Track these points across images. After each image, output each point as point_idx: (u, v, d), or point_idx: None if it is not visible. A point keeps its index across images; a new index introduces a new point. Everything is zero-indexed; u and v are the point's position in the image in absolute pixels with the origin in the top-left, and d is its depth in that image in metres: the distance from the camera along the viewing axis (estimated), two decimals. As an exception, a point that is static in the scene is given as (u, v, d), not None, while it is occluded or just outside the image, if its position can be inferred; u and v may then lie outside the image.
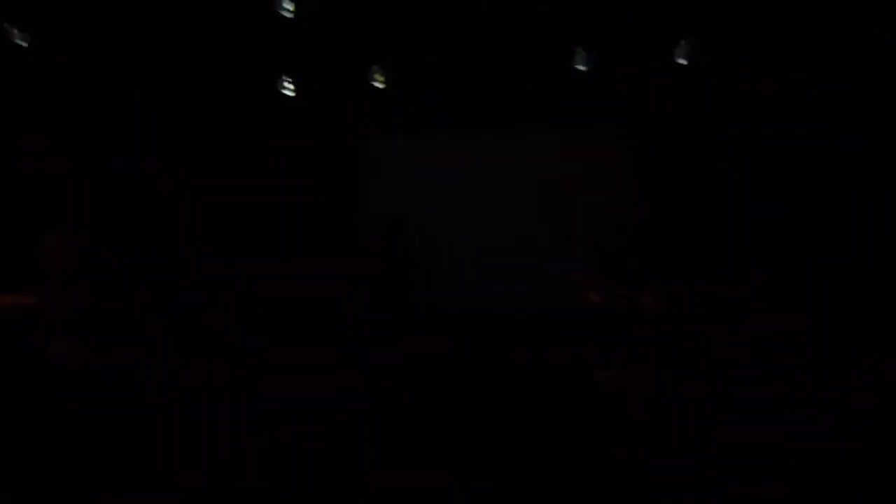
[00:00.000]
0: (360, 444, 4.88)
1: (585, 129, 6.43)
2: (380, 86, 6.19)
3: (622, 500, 4.13)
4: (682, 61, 5.80)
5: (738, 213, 5.80)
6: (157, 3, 5.45)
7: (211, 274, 5.04)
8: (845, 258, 5.33)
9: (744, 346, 4.88)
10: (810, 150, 5.67)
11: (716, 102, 5.97)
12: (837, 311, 4.91)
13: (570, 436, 4.91)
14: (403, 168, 6.74)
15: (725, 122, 5.94)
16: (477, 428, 5.40)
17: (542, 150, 6.50)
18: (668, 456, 4.38)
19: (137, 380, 4.18)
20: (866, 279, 5.17)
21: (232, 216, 6.26)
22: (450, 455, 4.98)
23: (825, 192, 5.60)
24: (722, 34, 5.71)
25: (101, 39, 5.64)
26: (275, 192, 6.49)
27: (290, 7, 5.61)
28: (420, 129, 6.63)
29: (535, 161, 6.51)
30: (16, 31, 5.46)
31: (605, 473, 4.40)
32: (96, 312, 4.33)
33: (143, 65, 5.92)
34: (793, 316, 4.93)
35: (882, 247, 5.32)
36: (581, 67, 5.93)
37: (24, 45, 5.44)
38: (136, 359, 4.29)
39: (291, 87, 6.18)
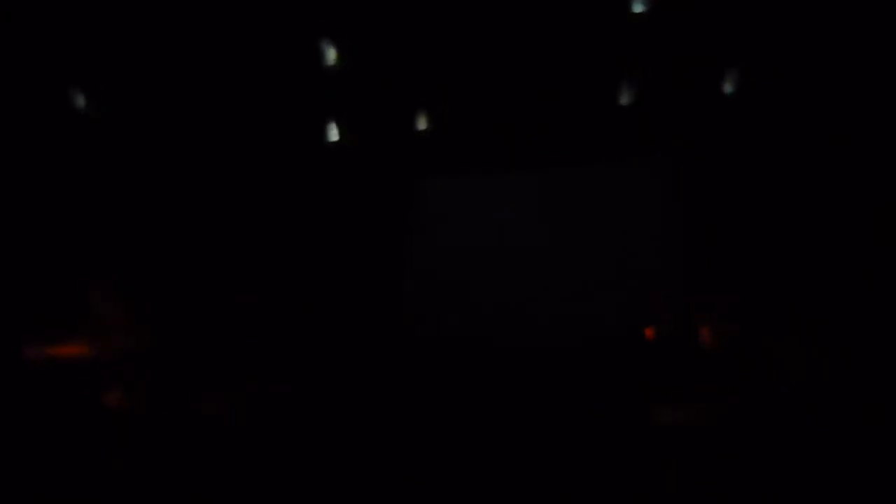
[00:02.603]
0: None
1: (635, 163, 6.32)
2: (422, 125, 6.24)
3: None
4: (731, 90, 5.70)
5: (795, 244, 5.59)
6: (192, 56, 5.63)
7: (258, 318, 5.09)
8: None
9: (806, 378, 4.67)
10: (873, 179, 5.46)
11: (769, 132, 5.82)
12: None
13: (635, 473, 4.76)
14: (453, 209, 6.73)
15: (780, 151, 5.78)
16: (535, 467, 5.28)
17: (591, 185, 6.41)
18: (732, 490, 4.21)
19: (184, 425, 4.22)
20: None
21: (278, 259, 6.33)
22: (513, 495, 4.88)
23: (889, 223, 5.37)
24: (773, 62, 5.60)
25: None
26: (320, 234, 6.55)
27: (333, 56, 5.73)
28: (468, 167, 6.63)
29: (584, 197, 6.42)
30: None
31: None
32: (146, 359, 4.41)
33: (187, 112, 6.09)
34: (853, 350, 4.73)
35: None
36: (630, 100, 5.88)
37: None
38: (183, 403, 4.34)
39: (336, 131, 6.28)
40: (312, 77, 6.03)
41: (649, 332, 5.81)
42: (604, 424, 5.52)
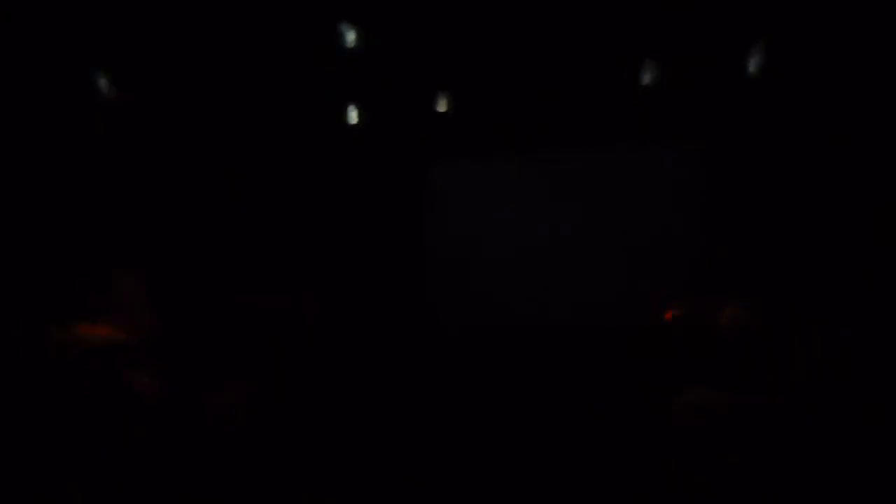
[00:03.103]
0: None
1: (659, 144, 6.27)
2: (445, 109, 6.21)
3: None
4: (756, 71, 5.61)
5: (816, 225, 5.53)
6: (217, 40, 5.62)
7: (280, 304, 5.11)
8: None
9: (826, 365, 4.64)
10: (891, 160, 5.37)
11: (791, 112, 5.74)
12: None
13: (653, 457, 4.76)
14: (472, 192, 6.73)
15: (802, 130, 5.70)
16: (554, 450, 5.31)
17: (614, 166, 6.38)
18: (753, 475, 4.20)
19: (209, 410, 4.26)
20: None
21: (300, 242, 6.37)
22: (531, 479, 4.90)
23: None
24: (797, 44, 5.50)
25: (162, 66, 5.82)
26: (341, 218, 6.56)
27: (352, 38, 5.70)
28: (487, 150, 6.61)
29: (607, 177, 6.39)
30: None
31: (689, 494, 4.24)
32: (170, 343, 4.45)
33: (207, 96, 6.09)
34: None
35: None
36: (653, 82, 5.81)
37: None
38: (209, 388, 4.38)
39: (355, 113, 6.26)
40: (331, 60, 6.00)
41: (668, 315, 5.79)
42: (620, 408, 5.53)
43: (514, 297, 6.49)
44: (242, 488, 4.03)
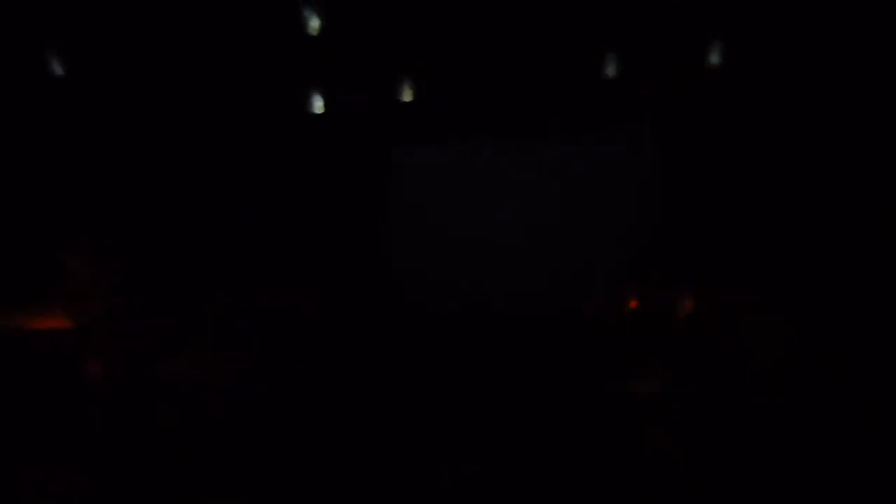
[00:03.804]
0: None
1: (615, 132, 6.31)
2: (407, 97, 6.19)
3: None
4: (714, 61, 5.67)
5: (773, 215, 5.62)
6: (180, 22, 5.54)
7: (235, 284, 5.07)
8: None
9: (777, 353, 4.73)
10: (852, 151, 5.47)
11: (748, 102, 5.82)
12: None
13: (606, 442, 4.81)
14: (431, 177, 6.72)
15: (759, 121, 5.78)
16: (508, 435, 5.33)
17: (565, 155, 6.42)
18: (700, 459, 4.26)
19: (163, 390, 4.22)
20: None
21: (259, 225, 6.31)
22: (486, 464, 4.92)
23: (867, 195, 5.38)
24: (756, 33, 5.56)
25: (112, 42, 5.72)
26: (296, 198, 6.52)
27: (316, 25, 5.66)
28: (445, 137, 6.61)
29: (564, 166, 6.42)
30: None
31: (640, 477, 4.29)
32: (121, 326, 4.40)
33: (166, 77, 6.01)
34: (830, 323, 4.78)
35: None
36: (610, 70, 5.84)
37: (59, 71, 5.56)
38: (162, 371, 4.33)
39: (321, 102, 6.22)
40: (294, 45, 5.96)
41: (634, 303, 5.85)
42: (583, 392, 5.57)
43: (472, 281, 6.51)
44: (197, 466, 3.99)
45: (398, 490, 4.31)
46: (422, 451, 4.97)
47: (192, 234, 5.94)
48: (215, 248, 5.89)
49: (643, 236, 6.07)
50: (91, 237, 5.21)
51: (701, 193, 5.90)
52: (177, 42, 5.82)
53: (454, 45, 5.98)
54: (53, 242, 4.93)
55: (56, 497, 3.52)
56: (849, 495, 3.65)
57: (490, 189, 6.56)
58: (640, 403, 5.06)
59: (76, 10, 5.41)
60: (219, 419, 4.14)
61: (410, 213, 6.73)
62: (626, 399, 5.11)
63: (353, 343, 5.82)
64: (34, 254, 4.81)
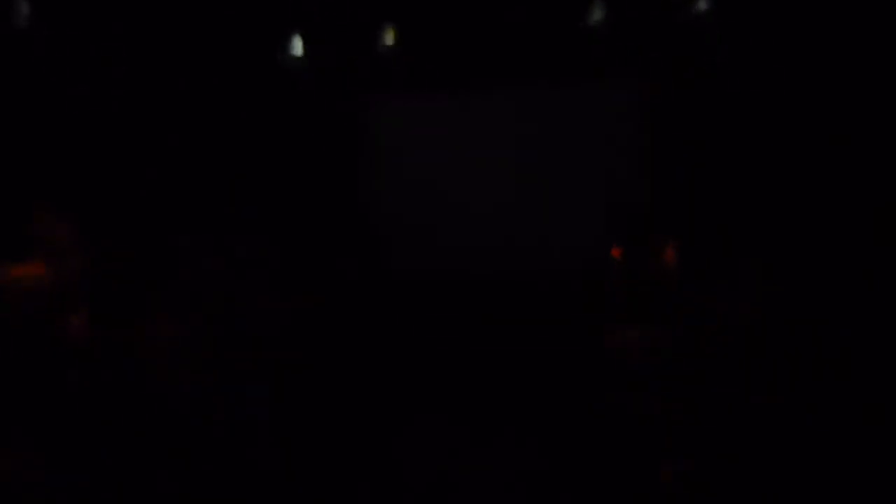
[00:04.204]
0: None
1: (593, 85, 6.23)
2: (386, 43, 6.05)
3: (620, 459, 4.12)
4: (701, 9, 5.56)
5: (752, 171, 5.60)
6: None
7: (212, 247, 5.02)
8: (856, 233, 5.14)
9: (745, 312, 4.76)
10: (832, 111, 5.42)
11: (737, 51, 5.73)
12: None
13: (573, 396, 4.88)
14: (406, 129, 6.63)
15: (738, 75, 5.71)
16: (481, 389, 5.42)
17: (549, 107, 6.34)
18: (665, 418, 4.33)
19: (141, 354, 4.21)
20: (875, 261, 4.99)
21: (239, 181, 6.24)
22: (458, 415, 5.02)
23: (842, 155, 5.36)
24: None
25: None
26: (275, 154, 6.44)
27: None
28: (420, 88, 6.49)
29: (541, 118, 6.35)
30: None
31: (604, 434, 4.37)
32: (99, 286, 4.36)
33: (141, 31, 5.85)
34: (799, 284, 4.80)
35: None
36: (596, 19, 5.72)
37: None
38: (139, 333, 4.31)
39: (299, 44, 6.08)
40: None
41: (616, 252, 5.87)
42: (565, 348, 5.63)
43: (456, 238, 6.49)
44: (177, 429, 4.01)
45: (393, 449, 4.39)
46: (412, 410, 5.06)
47: (172, 189, 5.88)
48: (194, 200, 5.84)
49: (627, 188, 6.06)
50: (72, 195, 5.15)
51: (683, 147, 5.87)
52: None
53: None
54: (33, 198, 4.87)
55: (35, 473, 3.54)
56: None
57: (472, 140, 6.49)
58: (610, 358, 5.12)
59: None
60: (200, 384, 4.14)
61: (391, 164, 6.64)
62: (609, 354, 5.16)
63: (336, 302, 5.82)
64: (13, 209, 4.74)
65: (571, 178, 6.25)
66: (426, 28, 6.06)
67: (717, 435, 4.18)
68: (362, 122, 6.57)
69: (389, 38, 6.11)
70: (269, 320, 4.94)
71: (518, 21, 5.93)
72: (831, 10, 5.32)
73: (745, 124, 5.66)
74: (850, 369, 4.39)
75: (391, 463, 4.34)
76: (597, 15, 5.71)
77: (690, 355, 4.75)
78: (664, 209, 5.84)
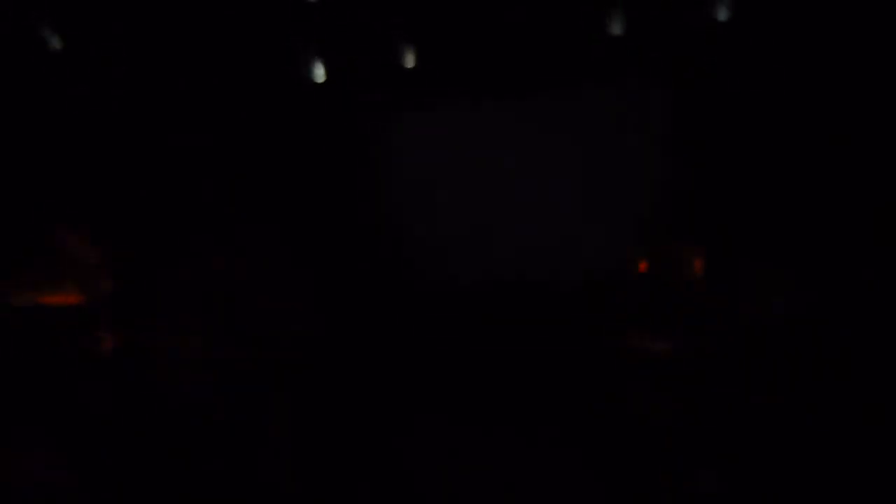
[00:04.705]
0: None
1: (624, 93, 6.19)
2: (406, 63, 6.10)
3: (646, 461, 4.06)
4: (724, 18, 5.50)
5: (782, 177, 5.49)
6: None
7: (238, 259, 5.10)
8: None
9: (772, 320, 4.67)
10: (860, 117, 5.30)
11: (762, 56, 5.65)
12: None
13: (594, 403, 4.83)
14: (428, 141, 6.67)
15: (763, 80, 5.62)
16: (506, 392, 5.38)
17: (569, 115, 6.32)
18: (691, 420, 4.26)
19: (167, 367, 4.29)
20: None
21: (262, 198, 6.32)
22: (483, 417, 4.99)
23: (875, 162, 5.23)
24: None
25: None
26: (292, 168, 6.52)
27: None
28: (438, 99, 6.52)
29: (561, 127, 6.33)
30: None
31: (631, 436, 4.31)
32: (123, 303, 4.46)
33: (161, 53, 5.99)
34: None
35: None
36: (612, 25, 5.70)
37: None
38: (165, 346, 4.40)
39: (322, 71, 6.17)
40: (291, 10, 5.89)
41: (643, 266, 5.81)
42: (591, 358, 5.56)
43: (481, 248, 6.48)
44: (203, 444, 4.07)
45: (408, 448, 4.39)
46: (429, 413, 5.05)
47: (194, 206, 5.98)
48: (219, 220, 5.93)
49: (652, 196, 5.99)
50: (91, 214, 5.28)
51: (710, 152, 5.79)
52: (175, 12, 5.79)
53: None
54: (57, 220, 5.00)
55: (59, 475, 3.62)
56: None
57: (491, 151, 6.49)
58: (646, 365, 5.05)
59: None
60: (220, 395, 4.20)
61: (415, 179, 6.68)
62: (634, 361, 5.10)
63: (361, 318, 5.86)
64: (38, 231, 4.87)
65: (593, 186, 6.21)
66: (443, 40, 6.08)
67: (747, 446, 4.10)
68: (378, 136, 6.64)
69: (406, 54, 6.16)
70: (287, 325, 4.99)
71: (534, 28, 5.91)
72: (857, 15, 5.23)
73: (771, 130, 5.57)
74: (887, 377, 4.29)
75: (402, 464, 4.32)
76: (617, 20, 5.68)
77: (717, 364, 4.68)
78: (689, 216, 5.77)
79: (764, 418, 4.18)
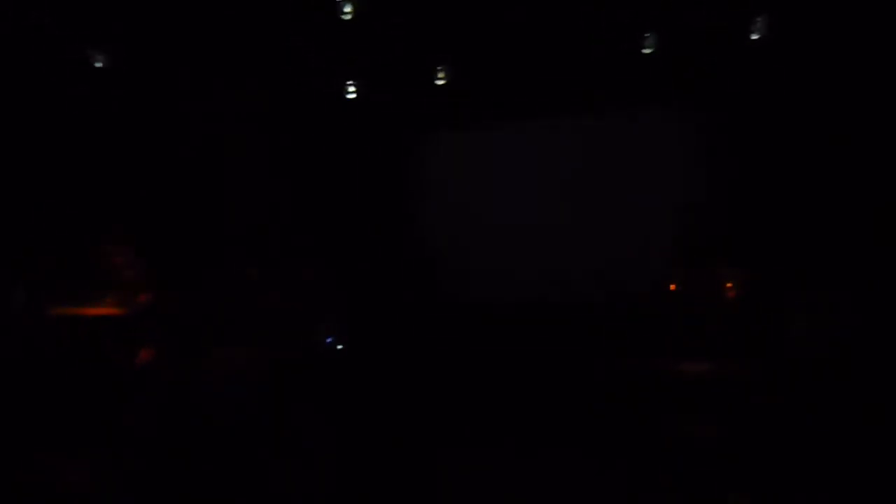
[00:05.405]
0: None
1: (656, 115, 6.20)
2: (439, 82, 6.14)
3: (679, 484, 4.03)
4: (757, 36, 5.49)
5: (809, 195, 5.45)
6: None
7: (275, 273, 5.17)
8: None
9: (821, 339, 4.63)
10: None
11: (794, 78, 5.63)
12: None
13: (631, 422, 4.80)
14: (463, 161, 6.72)
15: (796, 101, 5.60)
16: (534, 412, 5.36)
17: (605, 135, 6.33)
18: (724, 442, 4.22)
19: (207, 379, 4.34)
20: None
21: (297, 216, 6.39)
22: (533, 440, 4.98)
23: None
24: (796, 7, 5.36)
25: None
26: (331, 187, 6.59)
27: (349, 9, 5.64)
28: (474, 121, 6.57)
29: (599, 147, 6.35)
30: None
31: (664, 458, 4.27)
32: (165, 316, 4.53)
33: (203, 75, 6.09)
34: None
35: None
36: (644, 49, 5.70)
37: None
38: (209, 360, 4.46)
39: (353, 88, 6.23)
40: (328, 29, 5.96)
41: (673, 286, 5.80)
42: (622, 378, 5.53)
43: (513, 268, 6.50)
44: (239, 454, 4.09)
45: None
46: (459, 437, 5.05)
47: (229, 225, 6.06)
48: (252, 238, 6.00)
49: (685, 217, 5.97)
50: (135, 232, 5.37)
51: (743, 173, 5.76)
52: (208, 26, 5.87)
53: (488, 27, 5.90)
54: (100, 235, 5.10)
55: (94, 482, 3.66)
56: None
57: (529, 171, 6.52)
58: (681, 386, 5.03)
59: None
60: (253, 412, 4.24)
61: (448, 198, 6.73)
62: (668, 381, 5.08)
63: (393, 333, 5.88)
64: (82, 245, 4.97)
65: (628, 206, 6.20)
66: (477, 64, 6.12)
67: (780, 469, 4.06)
68: (418, 160, 6.70)
69: (442, 77, 6.20)
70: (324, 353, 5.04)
71: (567, 51, 5.93)
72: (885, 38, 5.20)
73: (808, 151, 5.53)
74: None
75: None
76: (650, 42, 5.68)
77: (752, 386, 4.65)
78: (725, 237, 5.74)
79: (794, 440, 4.14)
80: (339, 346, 5.27)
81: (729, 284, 5.54)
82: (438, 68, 6.12)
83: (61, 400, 4.13)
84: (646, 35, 5.64)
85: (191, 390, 4.24)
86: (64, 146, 5.85)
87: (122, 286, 4.74)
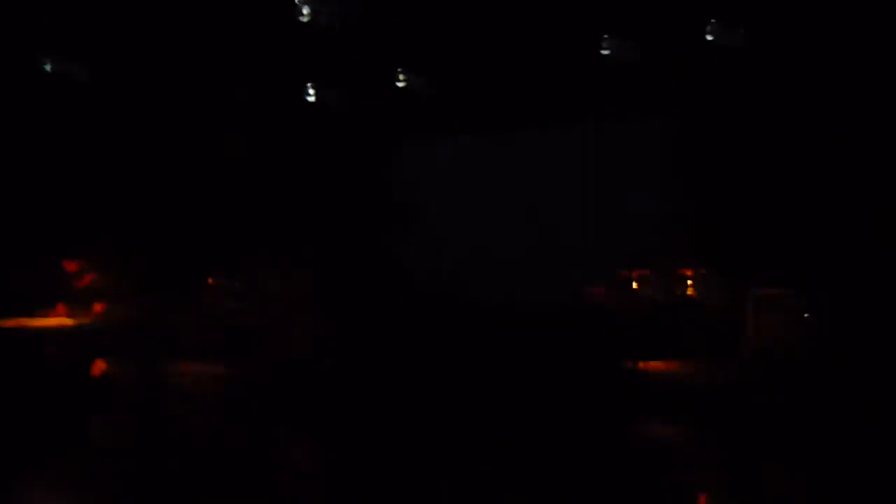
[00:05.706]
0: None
1: (625, 121, 6.23)
2: (408, 87, 6.09)
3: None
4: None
5: (789, 202, 5.46)
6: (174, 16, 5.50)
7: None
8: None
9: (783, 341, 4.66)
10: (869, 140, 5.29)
11: (767, 87, 5.65)
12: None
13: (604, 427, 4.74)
14: (436, 170, 6.67)
15: (774, 107, 5.62)
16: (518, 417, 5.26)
17: (579, 145, 6.37)
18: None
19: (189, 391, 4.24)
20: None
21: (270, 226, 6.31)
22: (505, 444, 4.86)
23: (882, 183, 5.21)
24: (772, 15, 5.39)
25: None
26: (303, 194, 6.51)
27: (306, 11, 5.56)
28: (450, 130, 6.54)
29: (573, 156, 6.37)
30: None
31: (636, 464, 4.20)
32: (144, 328, 4.46)
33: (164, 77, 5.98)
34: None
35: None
36: (617, 56, 5.68)
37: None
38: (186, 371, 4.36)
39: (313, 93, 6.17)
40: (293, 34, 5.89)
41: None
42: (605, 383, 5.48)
43: (481, 273, 6.46)
44: (212, 464, 3.93)
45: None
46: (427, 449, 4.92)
47: (201, 234, 5.97)
48: (224, 246, 5.92)
49: (652, 221, 5.96)
50: (106, 243, 5.27)
51: (715, 179, 5.76)
52: (176, 37, 5.79)
53: (459, 32, 5.85)
54: (76, 250, 5.01)
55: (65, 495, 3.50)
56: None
57: (496, 178, 6.53)
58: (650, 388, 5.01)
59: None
60: (228, 419, 4.12)
61: (414, 205, 6.69)
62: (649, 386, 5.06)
63: (362, 340, 5.79)
64: (55, 259, 4.87)
65: (595, 212, 6.22)
66: (451, 72, 6.07)
67: (765, 470, 4.02)
68: (385, 167, 6.66)
69: (414, 82, 6.15)
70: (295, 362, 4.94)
71: (543, 59, 5.89)
72: (866, 42, 5.23)
73: (788, 156, 5.54)
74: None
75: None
76: (627, 50, 5.65)
77: (735, 389, 4.64)
78: (691, 241, 5.74)
79: (775, 441, 4.11)
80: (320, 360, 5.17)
81: (691, 287, 5.57)
82: (399, 71, 6.07)
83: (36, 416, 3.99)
84: (623, 43, 5.63)
85: (152, 403, 4.13)
86: (15, 155, 5.72)
87: (76, 297, 4.63)
